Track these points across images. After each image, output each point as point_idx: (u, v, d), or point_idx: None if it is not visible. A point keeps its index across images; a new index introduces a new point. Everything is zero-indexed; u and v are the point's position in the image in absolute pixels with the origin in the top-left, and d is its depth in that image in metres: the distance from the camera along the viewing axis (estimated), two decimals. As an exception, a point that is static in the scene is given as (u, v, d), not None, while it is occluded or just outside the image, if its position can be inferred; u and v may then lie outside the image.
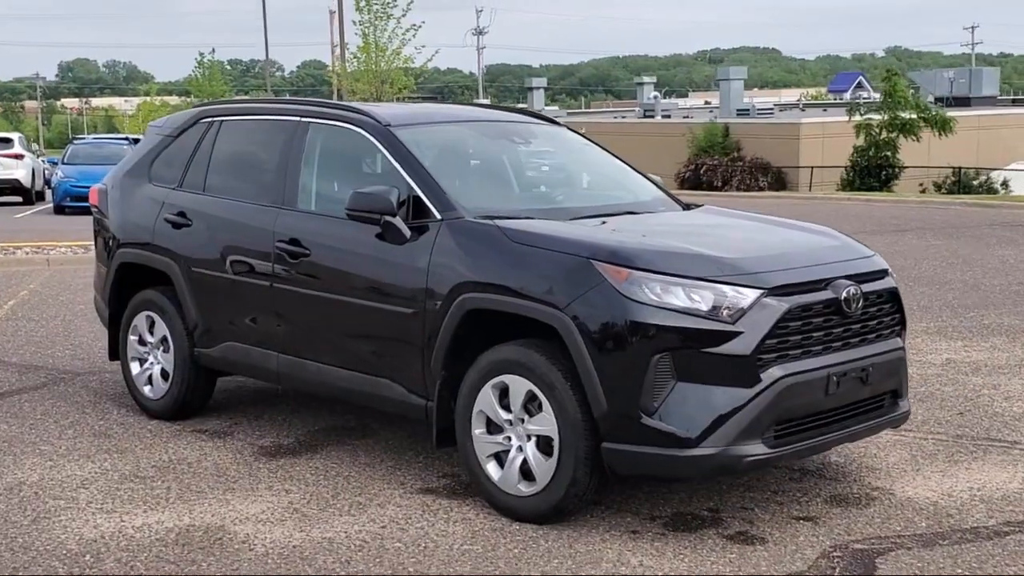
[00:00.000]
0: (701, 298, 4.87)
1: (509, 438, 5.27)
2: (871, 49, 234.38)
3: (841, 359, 5.13)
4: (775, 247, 5.44)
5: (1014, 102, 69.20)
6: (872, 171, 38.07)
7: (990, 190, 37.11)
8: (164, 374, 7.09)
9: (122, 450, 6.53)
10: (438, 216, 5.62)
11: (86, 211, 25.68)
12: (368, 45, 32.26)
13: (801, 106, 67.30)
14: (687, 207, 6.52)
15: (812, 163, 41.22)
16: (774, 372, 4.88)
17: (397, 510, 5.48)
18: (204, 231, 6.76)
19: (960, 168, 37.80)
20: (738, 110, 48.49)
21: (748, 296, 4.88)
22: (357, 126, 6.21)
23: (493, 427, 5.34)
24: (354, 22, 32.49)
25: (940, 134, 37.52)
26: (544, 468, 5.11)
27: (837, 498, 5.57)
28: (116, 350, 7.48)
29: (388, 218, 5.64)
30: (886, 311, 5.46)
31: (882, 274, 5.51)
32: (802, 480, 5.83)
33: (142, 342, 7.24)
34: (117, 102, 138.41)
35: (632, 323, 4.83)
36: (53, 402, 7.67)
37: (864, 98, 62.38)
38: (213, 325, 6.73)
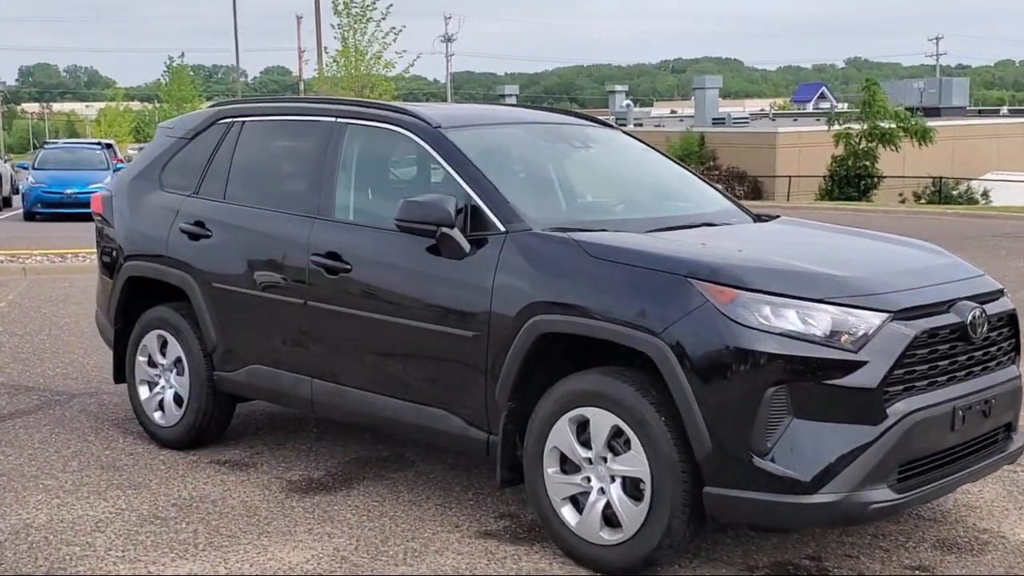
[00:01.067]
0: (817, 322, 4.31)
1: (588, 479, 4.69)
2: (831, 60, 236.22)
3: (965, 391, 4.59)
4: (890, 264, 4.90)
5: (980, 112, 69.52)
6: (851, 181, 37.83)
7: (971, 200, 36.91)
8: (178, 399, 6.46)
9: (136, 485, 5.89)
10: (501, 228, 5.03)
11: (58, 218, 24.87)
12: (347, 49, 31.55)
13: (772, 116, 67.22)
14: (758, 218, 5.96)
15: (789, 172, 40.94)
16: (901, 407, 4.33)
17: (458, 558, 4.88)
18: (226, 243, 6.13)
19: (940, 178, 37.60)
20: (713, 119, 48.21)
21: (872, 320, 4.32)
22: (403, 128, 5.62)
23: (569, 466, 4.75)
24: (333, 25, 31.81)
25: (920, 144, 37.33)
26: (632, 514, 4.53)
27: (946, 543, 5.03)
28: (122, 372, 6.83)
29: (445, 230, 5.05)
30: (1004, 335, 4.92)
31: (999, 294, 4.97)
32: (901, 522, 5.27)
33: (152, 364, 6.60)
34: (78, 107, 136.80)
35: (741, 351, 4.26)
36: (51, 428, 7.01)
37: (827, 108, 62.34)
38: (236, 346, 6.10)
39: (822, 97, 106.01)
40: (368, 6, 31.17)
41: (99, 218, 7.04)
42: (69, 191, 25.11)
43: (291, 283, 5.76)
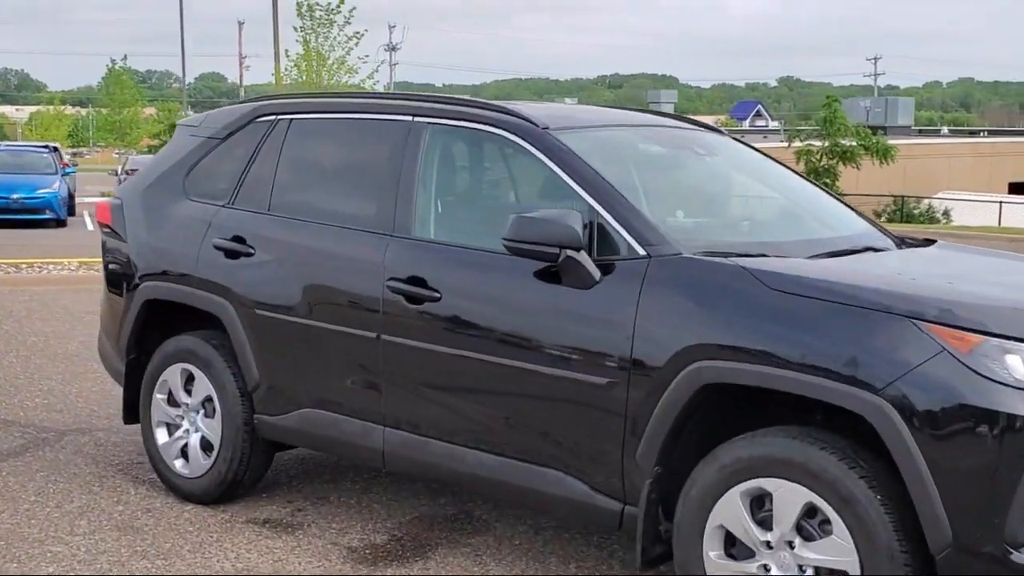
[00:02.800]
0: (1076, 375, 3.44)
1: (766, 567, 3.78)
2: (764, 79, 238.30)
3: None
4: None
5: (920, 132, 69.91)
6: (812, 198, 37.33)
7: (931, 219, 36.67)
8: (206, 445, 5.46)
9: (164, 554, 4.89)
10: (640, 251, 4.12)
11: (4, 224, 23.43)
12: (309, 53, 30.36)
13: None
14: (902, 241, 5.10)
15: (748, 189, 40.42)
16: None
17: (595, 659, 3.95)
18: (274, 262, 5.16)
19: (903, 197, 37.33)
20: (669, 134, 47.64)
21: None
22: (501, 129, 4.69)
23: (739, 549, 3.85)
24: (295, 28, 30.57)
25: (881, 162, 37.02)
26: (833, 615, 3.63)
27: None
28: (134, 411, 5.80)
29: (571, 253, 4.12)
30: None
31: None
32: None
33: (173, 402, 5.59)
34: (8, 110, 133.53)
35: (992, 413, 3.38)
36: (46, 475, 5.96)
37: (763, 125, 61.93)
38: (285, 386, 5.12)
39: (758, 115, 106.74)
40: (332, 10, 30.02)
41: (107, 230, 6.01)
42: (16, 196, 23.71)
43: (361, 312, 4.80)
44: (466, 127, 4.82)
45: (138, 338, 5.74)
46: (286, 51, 31.36)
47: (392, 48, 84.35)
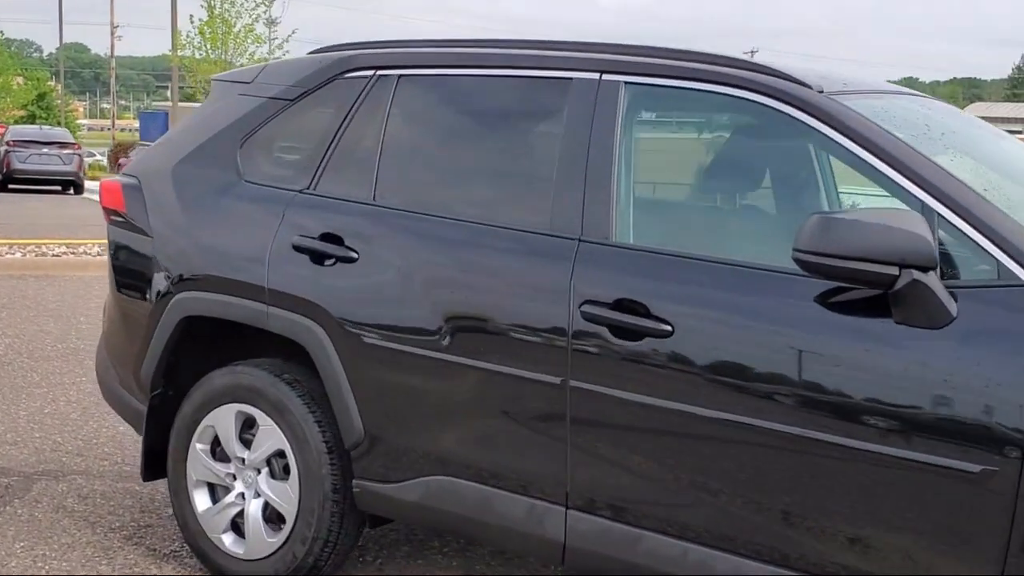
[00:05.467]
0: None
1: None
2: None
3: None
4: None
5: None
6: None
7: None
8: (273, 517, 4.00)
9: None
10: (1021, 274, 2.82)
11: None
12: (214, 19, 28.20)
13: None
14: None
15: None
16: None
17: None
18: (391, 273, 3.72)
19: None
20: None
21: None
22: (751, 91, 3.32)
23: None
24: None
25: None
26: None
27: None
28: (158, 464, 4.31)
29: (918, 275, 2.81)
30: None
31: None
32: None
33: (221, 456, 4.12)
34: None
35: None
36: (28, 546, 4.45)
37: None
38: (404, 443, 3.70)
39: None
40: (240, -27, 27.93)
41: (117, 219, 4.49)
42: None
43: (535, 348, 3.41)
44: (691, 89, 3.44)
45: (168, 366, 4.23)
46: (193, 16, 28.92)
47: (272, 22, 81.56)
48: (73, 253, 13.30)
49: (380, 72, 4.01)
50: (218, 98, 4.48)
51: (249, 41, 28.12)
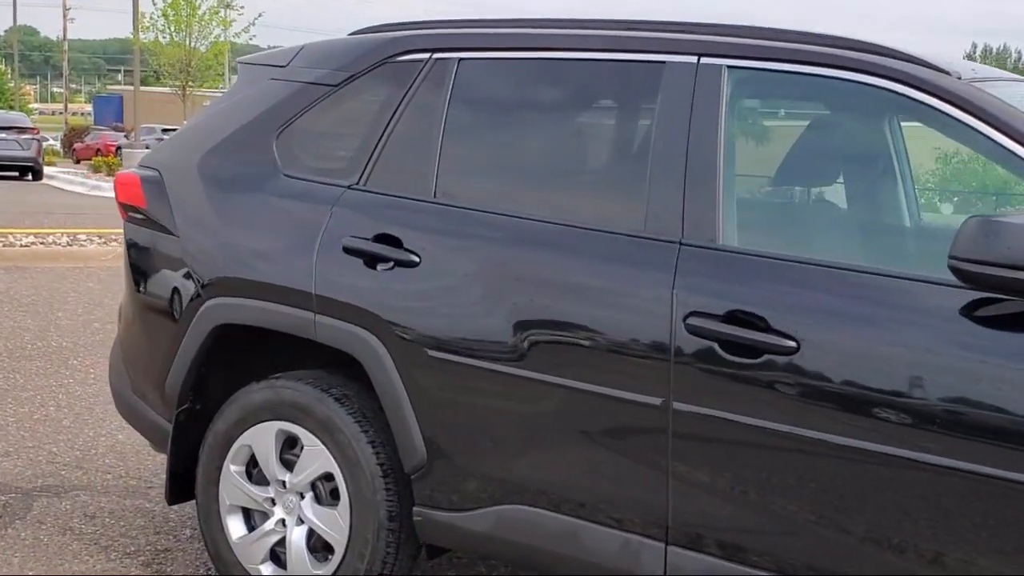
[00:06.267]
0: None
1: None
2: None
3: None
4: None
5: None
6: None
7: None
8: (316, 545, 3.62)
9: None
10: None
11: None
12: (178, 1, 27.46)
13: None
14: None
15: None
16: None
17: None
18: (457, 278, 3.35)
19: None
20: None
21: None
22: (882, 77, 2.97)
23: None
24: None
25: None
26: None
27: None
28: (185, 486, 3.92)
29: None
30: None
31: None
32: None
33: (258, 478, 3.74)
34: None
35: None
36: (37, 572, 4.04)
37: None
38: (473, 468, 3.34)
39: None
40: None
41: (137, 216, 4.09)
42: None
43: (629, 364, 3.06)
44: (807, 74, 3.09)
45: (198, 379, 3.84)
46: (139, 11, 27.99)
47: (227, 5, 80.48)
48: (43, 243, 12.80)
49: (437, 55, 3.63)
50: (247, 83, 4.08)
51: (214, 24, 27.50)
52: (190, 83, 27.58)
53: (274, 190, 3.76)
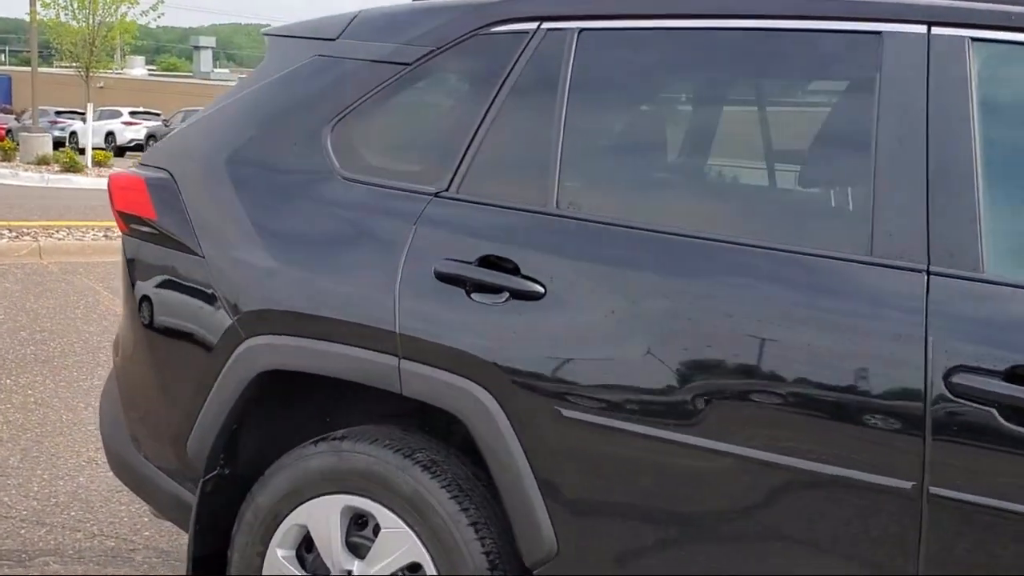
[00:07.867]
0: None
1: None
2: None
3: None
4: None
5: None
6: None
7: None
8: (398, 656, 2.82)
9: None
10: None
11: None
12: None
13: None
14: None
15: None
16: None
17: None
18: (598, 314, 2.57)
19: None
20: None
21: None
22: None
23: None
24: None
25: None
26: None
27: None
28: (213, 571, 3.08)
29: None
30: None
31: None
32: None
33: (315, 566, 2.92)
34: None
35: None
36: None
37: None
38: (628, 565, 2.56)
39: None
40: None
41: (144, 229, 3.22)
42: None
43: (864, 437, 2.31)
44: None
45: (233, 438, 3.00)
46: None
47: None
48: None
49: (548, 25, 2.84)
50: (283, 60, 3.23)
51: (123, 3, 26.01)
52: (94, 64, 26.13)
53: (331, 197, 2.94)
